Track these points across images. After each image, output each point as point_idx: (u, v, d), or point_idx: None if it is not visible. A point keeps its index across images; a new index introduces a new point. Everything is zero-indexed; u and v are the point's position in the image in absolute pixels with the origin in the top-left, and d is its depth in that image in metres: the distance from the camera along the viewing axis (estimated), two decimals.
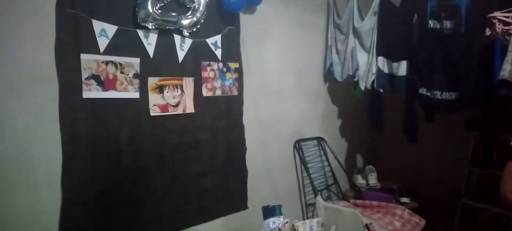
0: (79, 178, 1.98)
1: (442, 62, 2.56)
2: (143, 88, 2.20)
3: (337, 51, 3.21)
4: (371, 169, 3.52)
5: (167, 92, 2.30)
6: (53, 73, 1.89)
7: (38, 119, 1.87)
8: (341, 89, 3.47)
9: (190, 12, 2.29)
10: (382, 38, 2.87)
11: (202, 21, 2.35)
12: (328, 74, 3.31)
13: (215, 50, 2.52)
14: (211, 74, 2.53)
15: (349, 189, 3.56)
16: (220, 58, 2.55)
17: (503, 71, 2.05)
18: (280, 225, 2.03)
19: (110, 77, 2.06)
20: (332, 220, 2.56)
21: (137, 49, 2.16)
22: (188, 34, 2.34)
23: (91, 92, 2.00)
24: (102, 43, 2.01)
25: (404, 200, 3.21)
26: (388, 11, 2.85)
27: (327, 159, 3.40)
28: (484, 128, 2.65)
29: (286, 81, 3.08)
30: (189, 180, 2.44)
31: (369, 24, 2.91)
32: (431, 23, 2.57)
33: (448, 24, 2.53)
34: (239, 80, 2.70)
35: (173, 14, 2.22)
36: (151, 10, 2.09)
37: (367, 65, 2.96)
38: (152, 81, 2.23)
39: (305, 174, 3.21)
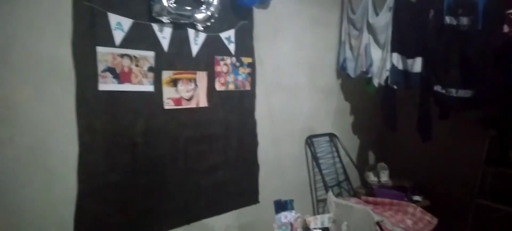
0: (95, 169, 2.01)
1: (458, 59, 2.52)
2: (158, 82, 2.22)
3: (351, 47, 3.18)
4: (383, 166, 3.50)
5: (181, 86, 2.32)
6: (70, 65, 1.92)
7: (55, 111, 1.90)
8: (354, 86, 3.45)
9: (204, 6, 2.30)
10: (397, 34, 2.84)
11: (216, 15, 2.36)
12: (341, 70, 3.29)
13: (229, 44, 2.53)
14: (224, 69, 2.53)
15: (361, 186, 3.55)
16: (233, 52, 2.56)
17: None
18: (292, 219, 2.04)
19: (126, 70, 2.08)
20: (343, 217, 2.56)
21: (152, 42, 2.18)
22: (202, 28, 2.35)
23: (107, 84, 2.02)
24: (118, 36, 2.03)
25: (416, 198, 3.18)
26: (403, 7, 2.82)
27: (339, 155, 3.39)
28: (501, 127, 2.60)
29: (298, 77, 3.07)
30: (202, 173, 2.46)
31: (384, 20, 2.88)
32: (447, 19, 2.53)
33: (465, 20, 2.48)
34: (252, 75, 2.70)
35: (188, 8, 2.23)
36: (166, 4, 2.10)
37: (381, 61, 2.93)
38: (166, 74, 2.25)
39: (316, 170, 3.20)
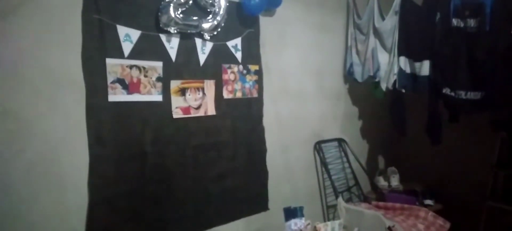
0: (105, 179, 2.03)
1: (466, 62, 2.51)
2: (166, 91, 2.24)
3: (357, 52, 3.18)
4: (393, 171, 3.47)
5: (189, 95, 2.34)
6: (80, 77, 1.95)
7: (65, 122, 1.93)
8: (361, 90, 3.44)
9: (210, 15, 2.33)
10: (404, 38, 2.83)
11: (223, 24, 2.38)
12: (348, 75, 3.29)
13: (235, 53, 2.55)
14: (232, 77, 2.55)
15: (371, 190, 3.52)
16: (240, 60, 2.58)
17: None
18: (302, 226, 2.03)
19: (134, 81, 2.11)
20: (354, 222, 2.54)
21: (160, 53, 2.21)
22: (209, 37, 2.37)
23: (116, 95, 2.05)
24: (127, 47, 2.07)
25: (428, 202, 3.15)
26: (409, 10, 2.81)
27: (348, 160, 3.38)
28: (511, 129, 2.57)
29: (306, 83, 3.08)
30: (211, 181, 2.47)
31: (390, 24, 2.88)
32: (454, 21, 2.52)
33: (472, 22, 2.47)
34: (259, 82, 2.71)
35: (194, 18, 2.26)
36: (173, 15, 2.13)
37: (389, 65, 2.92)
38: (175, 84, 2.27)
39: (325, 176, 3.19)
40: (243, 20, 2.56)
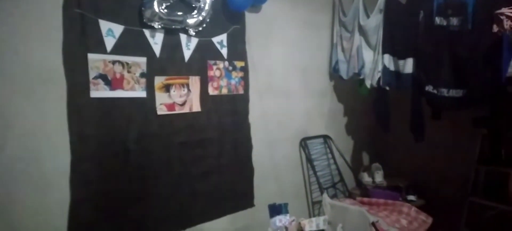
0: (88, 177, 2.00)
1: (448, 60, 2.55)
2: (150, 88, 2.22)
3: (343, 49, 3.20)
4: (378, 167, 3.51)
5: (174, 91, 2.32)
6: (61, 73, 1.91)
7: (46, 118, 1.89)
8: (347, 87, 3.46)
9: (195, 11, 2.31)
10: (388, 36, 2.86)
11: (208, 20, 2.36)
12: (333, 72, 3.31)
13: (221, 49, 2.53)
14: (217, 73, 2.53)
15: (355, 187, 3.55)
16: (226, 57, 2.56)
17: (510, 68, 2.04)
18: (287, 223, 2.04)
19: (117, 77, 2.07)
20: (339, 218, 2.56)
21: (144, 48, 2.18)
22: (194, 33, 2.35)
23: (99, 91, 2.01)
24: (109, 43, 2.03)
25: (411, 197, 3.20)
26: (394, 9, 2.84)
27: (333, 157, 3.40)
28: (492, 125, 2.63)
29: (291, 80, 3.08)
30: (196, 179, 2.46)
31: (374, 22, 2.90)
32: (437, 20, 2.56)
33: (454, 21, 2.51)
34: (245, 78, 2.70)
35: (179, 13, 2.23)
36: (157, 10, 2.10)
37: (373, 63, 2.95)
38: (159, 80, 2.25)
39: (311, 172, 3.21)
40: (228, 16, 2.54)
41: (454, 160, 3.23)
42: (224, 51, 2.55)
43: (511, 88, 2.17)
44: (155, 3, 2.10)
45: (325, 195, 2.89)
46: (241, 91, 2.69)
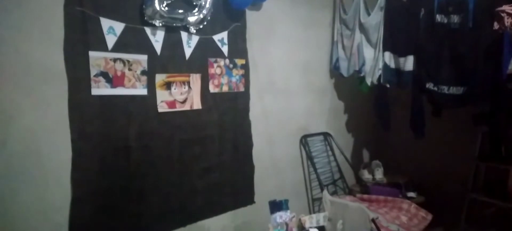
0: (89, 174, 2.01)
1: (449, 57, 2.55)
2: (151, 85, 2.22)
3: (343, 47, 3.20)
4: (378, 164, 3.52)
5: (175, 88, 2.32)
6: (62, 70, 1.91)
7: (47, 116, 1.90)
8: (347, 85, 3.47)
9: (196, 9, 2.31)
10: (389, 33, 2.87)
11: (209, 18, 2.36)
12: (334, 70, 3.31)
13: (222, 46, 2.53)
14: (218, 71, 2.54)
15: (355, 183, 3.57)
16: (226, 54, 2.56)
17: (511, 65, 2.04)
18: (287, 219, 2.05)
19: (118, 74, 2.08)
20: (339, 215, 2.57)
21: (145, 46, 2.18)
22: (194, 31, 2.35)
23: (100, 89, 2.02)
24: (110, 40, 2.03)
25: (411, 194, 3.21)
26: (394, 6, 2.84)
27: (333, 154, 3.41)
28: (492, 123, 2.64)
29: (292, 77, 3.09)
30: (197, 176, 2.47)
31: (375, 19, 2.90)
32: (438, 17, 2.56)
33: (455, 18, 2.51)
34: (246, 76, 2.71)
35: (180, 11, 2.23)
36: (158, 8, 2.10)
37: (374, 60, 2.95)
38: (160, 78, 2.25)
39: (311, 169, 3.22)
40: (229, 14, 2.54)
41: (454, 156, 3.24)
42: (225, 49, 2.55)
43: (511, 85, 2.17)
44: (156, 1, 2.10)
45: (325, 192, 2.90)
46: (241, 89, 2.69)
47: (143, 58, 2.17)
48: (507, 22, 2.16)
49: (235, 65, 2.63)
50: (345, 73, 3.18)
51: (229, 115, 2.62)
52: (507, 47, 2.17)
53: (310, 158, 3.18)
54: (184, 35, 2.32)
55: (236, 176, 2.71)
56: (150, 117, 2.23)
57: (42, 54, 1.86)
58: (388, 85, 2.95)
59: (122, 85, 2.10)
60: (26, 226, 1.86)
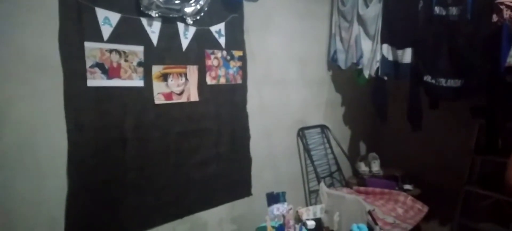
0: (85, 165, 2.00)
1: (447, 50, 2.54)
2: (147, 77, 2.20)
3: (341, 39, 3.19)
4: (374, 156, 3.53)
5: (171, 80, 2.30)
6: (57, 61, 1.89)
7: (43, 107, 1.88)
8: (344, 77, 3.46)
9: (193, 0, 2.28)
10: (387, 25, 2.85)
11: (206, 9, 2.34)
12: (332, 62, 3.30)
13: (219, 38, 2.51)
14: (215, 62, 2.52)
15: (352, 176, 3.58)
16: (223, 46, 2.54)
17: (509, 58, 2.04)
18: (284, 211, 2.05)
19: (114, 66, 2.06)
20: (335, 207, 2.58)
21: (141, 37, 2.15)
22: (191, 22, 2.33)
23: (96, 80, 2.00)
24: (106, 31, 2.01)
25: (407, 187, 3.22)
26: None
27: (330, 147, 3.42)
28: (489, 115, 2.64)
29: (289, 69, 3.07)
30: (194, 168, 2.46)
31: (374, 11, 2.89)
32: (436, 9, 2.54)
33: (454, 10, 2.49)
34: (243, 68, 2.69)
35: (177, 2, 2.21)
36: None
37: (372, 52, 2.94)
38: (156, 69, 2.23)
39: (308, 161, 3.22)
40: (226, 5, 2.52)
41: (450, 149, 3.25)
42: (222, 41, 2.53)
43: (509, 78, 2.17)
44: None
45: (322, 184, 2.91)
46: (239, 81, 2.68)
47: (139, 49, 2.15)
48: (506, 14, 2.14)
49: (232, 57, 2.61)
50: (342, 66, 3.17)
51: (226, 107, 2.61)
52: (505, 39, 2.16)
53: (307, 150, 3.18)
54: (181, 26, 2.30)
55: (233, 168, 2.70)
56: (146, 108, 2.21)
57: (37, 45, 1.83)
58: (385, 78, 2.94)
59: (118, 76, 2.08)
60: (22, 218, 1.85)
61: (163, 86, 2.27)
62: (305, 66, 3.19)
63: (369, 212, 2.54)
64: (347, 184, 3.35)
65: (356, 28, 3.02)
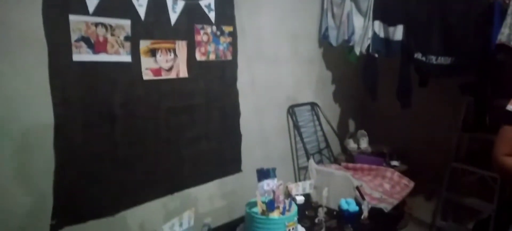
0: (73, 141, 1.96)
1: (439, 27, 2.54)
2: (135, 52, 2.15)
3: (333, 15, 3.15)
4: (363, 134, 3.56)
5: (160, 56, 2.26)
6: (41, 35, 1.82)
7: (27, 82, 1.82)
8: (335, 55, 3.44)
9: None
10: (379, 2, 2.82)
11: None
12: (323, 39, 3.27)
13: (209, 12, 2.45)
14: (205, 38, 2.47)
15: (341, 153, 3.62)
16: (213, 21, 2.49)
17: (500, 35, 2.05)
18: (274, 187, 2.06)
19: (101, 40, 2.00)
20: (324, 183, 2.61)
21: (128, 10, 2.09)
22: None
23: (82, 55, 1.94)
24: (91, 3, 1.94)
25: (394, 163, 3.28)
26: None
27: (320, 124, 3.43)
28: (478, 93, 2.67)
29: (280, 46, 3.04)
30: (183, 144, 2.45)
31: None
32: None
33: None
34: (233, 44, 2.65)
35: None
36: None
37: (363, 29, 2.92)
38: (144, 44, 2.18)
39: (298, 139, 3.24)
40: None
41: (438, 127, 3.29)
42: (211, 15, 2.47)
43: (500, 56, 2.18)
44: None
45: (311, 161, 2.93)
46: (229, 57, 2.64)
47: (126, 23, 2.09)
48: None
49: (222, 33, 2.56)
50: (334, 43, 3.15)
51: (216, 84, 2.58)
52: (497, 17, 2.17)
53: (297, 127, 3.19)
54: None
55: (223, 145, 2.70)
56: (135, 84, 2.17)
57: (20, 17, 1.76)
58: (376, 55, 2.93)
59: (105, 51, 2.03)
60: (9, 193, 1.83)
61: (151, 62, 2.23)
62: (296, 43, 3.16)
63: (357, 188, 2.58)
64: (335, 161, 3.39)
65: (348, 4, 2.98)
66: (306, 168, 3.20)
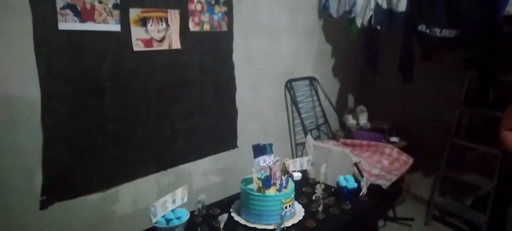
0: (60, 115, 1.88)
1: None
2: (125, 21, 2.03)
3: None
4: (362, 109, 3.50)
5: (151, 25, 2.15)
6: (25, 1, 1.71)
7: (11, 53, 1.71)
8: (335, 27, 3.33)
9: None
10: None
11: None
12: (323, 10, 3.14)
13: None
14: (198, 7, 2.35)
15: (339, 128, 3.57)
16: None
17: (509, 6, 1.95)
18: (271, 163, 2.01)
19: (88, 7, 1.89)
20: (322, 159, 2.57)
21: None
22: None
23: (68, 23, 1.83)
24: None
25: (394, 139, 3.23)
26: None
27: (319, 99, 3.36)
28: (483, 67, 2.58)
29: (278, 17, 2.92)
30: (177, 119, 2.37)
31: None
32: None
33: None
34: (229, 14, 2.53)
35: None
36: None
37: (365, 0, 2.80)
38: (134, 12, 2.06)
39: (295, 114, 3.17)
40: None
41: (440, 102, 3.23)
42: None
43: (506, 28, 2.09)
44: None
45: (309, 137, 2.88)
46: (224, 28, 2.53)
47: None
48: None
49: (217, 1, 2.44)
50: (334, 14, 3.02)
51: (210, 56, 2.48)
52: None
53: (294, 102, 3.11)
54: None
55: (219, 120, 2.63)
56: (124, 56, 2.07)
57: None
58: (378, 27, 2.83)
59: (92, 20, 1.91)
60: None
61: (142, 32, 2.11)
62: (295, 14, 3.03)
63: (355, 164, 2.54)
64: (334, 137, 3.34)
65: None
66: (303, 144, 3.15)
